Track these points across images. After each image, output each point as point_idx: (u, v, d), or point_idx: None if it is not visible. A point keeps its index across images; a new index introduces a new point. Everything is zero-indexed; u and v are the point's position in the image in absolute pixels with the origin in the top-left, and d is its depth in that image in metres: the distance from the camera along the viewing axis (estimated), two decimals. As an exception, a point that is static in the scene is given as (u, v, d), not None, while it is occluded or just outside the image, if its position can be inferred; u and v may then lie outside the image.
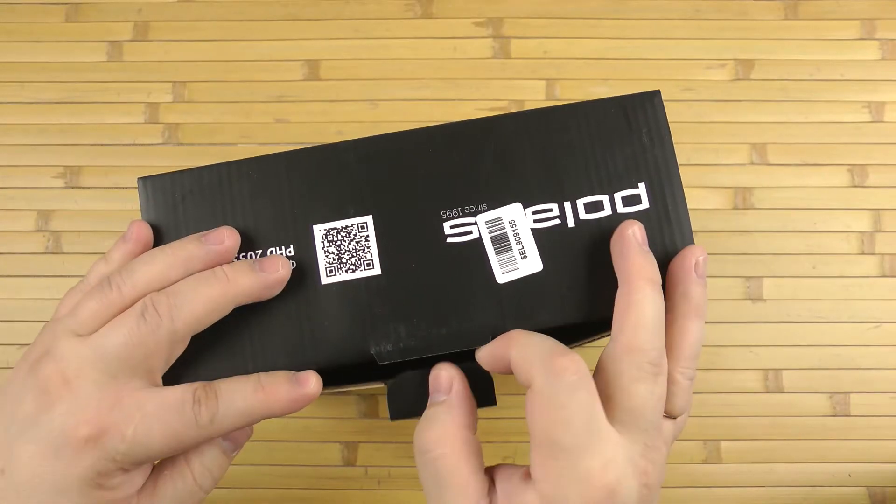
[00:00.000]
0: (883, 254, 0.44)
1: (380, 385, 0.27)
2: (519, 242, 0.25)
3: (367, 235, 0.25)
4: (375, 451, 0.42)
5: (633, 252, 0.24)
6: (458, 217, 0.25)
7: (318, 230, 0.24)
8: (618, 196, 0.25)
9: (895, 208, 0.44)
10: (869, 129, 0.45)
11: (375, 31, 0.46)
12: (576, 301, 0.25)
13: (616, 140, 0.25)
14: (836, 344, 0.43)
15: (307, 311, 0.24)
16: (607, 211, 0.25)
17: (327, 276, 0.25)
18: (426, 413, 0.25)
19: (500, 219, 0.25)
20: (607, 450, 0.22)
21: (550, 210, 0.25)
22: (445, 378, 0.25)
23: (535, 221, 0.25)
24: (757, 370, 0.43)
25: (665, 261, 0.25)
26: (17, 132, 0.45)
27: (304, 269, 0.24)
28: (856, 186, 0.45)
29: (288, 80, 0.46)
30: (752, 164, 0.45)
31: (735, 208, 0.44)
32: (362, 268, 0.24)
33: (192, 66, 0.46)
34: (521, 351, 0.23)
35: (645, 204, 0.25)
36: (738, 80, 0.46)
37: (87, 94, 0.46)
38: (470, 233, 0.25)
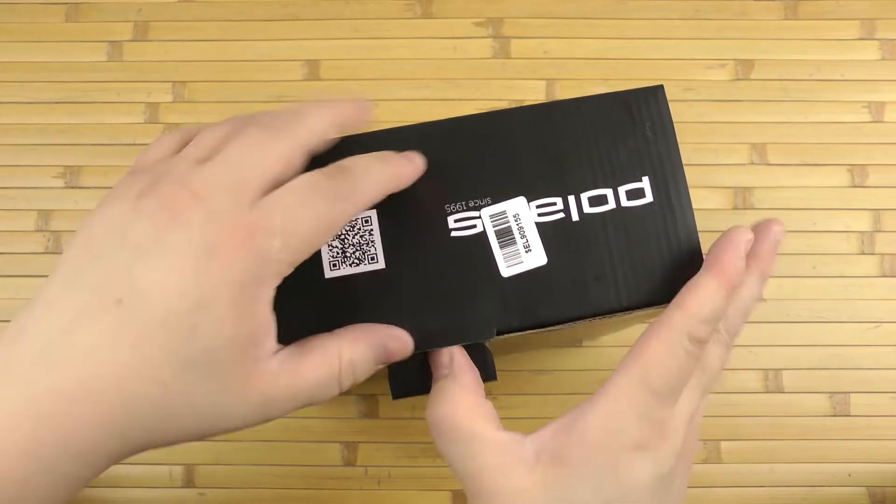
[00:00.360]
0: (883, 254, 0.44)
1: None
2: (523, 236, 0.25)
3: (372, 229, 0.25)
4: (375, 451, 0.42)
5: (768, 249, 0.25)
6: (463, 211, 0.25)
7: None
8: (622, 190, 0.25)
9: (895, 208, 0.44)
10: (869, 129, 0.45)
11: (375, 31, 0.46)
12: (580, 295, 0.25)
13: (619, 134, 0.25)
14: (836, 344, 0.43)
15: (311, 306, 0.24)
16: (611, 205, 0.25)
17: (331, 270, 0.24)
18: (433, 390, 0.25)
19: (504, 212, 0.25)
20: (679, 413, 0.23)
21: (554, 204, 0.25)
22: (444, 353, 0.25)
23: (540, 215, 0.25)
24: (757, 370, 0.43)
25: (670, 255, 0.25)
26: (17, 132, 0.45)
27: (308, 262, 0.24)
28: (856, 186, 0.45)
29: (288, 80, 0.46)
30: (752, 164, 0.45)
31: (735, 208, 0.44)
32: (367, 262, 0.24)
33: (192, 66, 0.46)
34: (702, 290, 0.23)
35: (649, 198, 0.25)
36: (738, 80, 0.46)
37: (87, 94, 0.46)
38: (474, 226, 0.25)
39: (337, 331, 0.24)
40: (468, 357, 0.25)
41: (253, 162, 0.21)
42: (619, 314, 0.25)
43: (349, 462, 0.42)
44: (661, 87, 0.26)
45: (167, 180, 0.21)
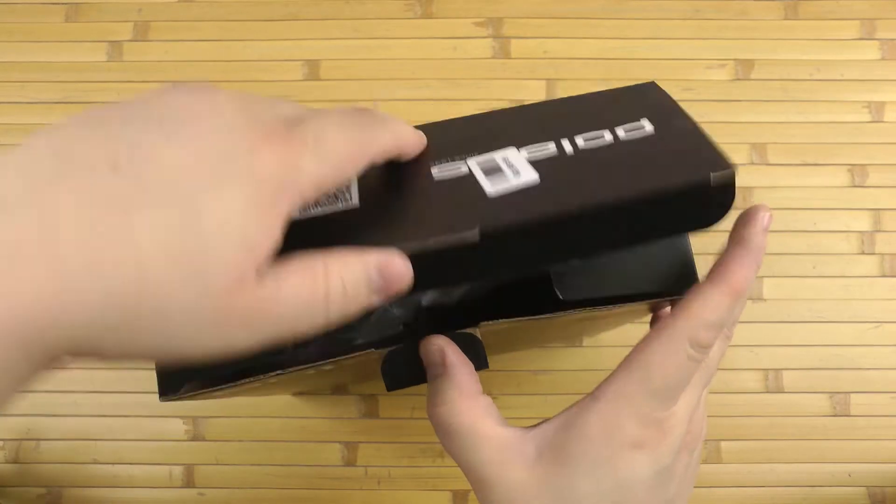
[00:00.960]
0: (883, 254, 0.44)
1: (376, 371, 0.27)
2: (511, 167, 0.23)
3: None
4: (375, 451, 0.42)
5: (755, 246, 0.24)
6: (447, 162, 0.23)
7: None
8: (619, 128, 0.23)
9: (895, 208, 0.44)
10: (869, 129, 0.45)
11: (375, 31, 0.46)
12: (579, 189, 0.22)
13: (614, 120, 0.25)
14: (836, 344, 0.43)
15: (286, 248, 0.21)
16: (608, 139, 0.23)
17: (300, 213, 0.22)
18: (429, 390, 0.25)
19: (492, 158, 0.23)
20: (680, 410, 0.24)
21: (546, 146, 0.23)
22: (436, 350, 0.25)
23: (530, 154, 0.23)
24: (757, 370, 0.43)
25: (668, 178, 0.22)
26: (17, 132, 0.45)
27: None
28: (856, 186, 0.45)
29: (288, 80, 0.46)
30: (752, 164, 0.45)
31: (735, 208, 0.44)
32: (340, 202, 0.23)
33: (192, 66, 0.46)
34: (709, 300, 0.23)
35: (649, 129, 0.23)
36: (738, 80, 0.46)
37: (87, 94, 0.46)
38: (459, 169, 0.23)
39: (324, 250, 0.20)
40: (459, 351, 0.25)
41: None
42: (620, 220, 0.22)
43: (349, 462, 0.42)
44: (653, 83, 0.26)
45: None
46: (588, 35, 0.46)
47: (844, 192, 0.45)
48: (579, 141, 0.23)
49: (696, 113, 0.48)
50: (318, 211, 0.23)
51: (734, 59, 0.46)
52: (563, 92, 0.45)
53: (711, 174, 0.22)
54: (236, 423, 0.42)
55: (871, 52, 0.46)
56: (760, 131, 0.45)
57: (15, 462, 0.42)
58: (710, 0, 0.47)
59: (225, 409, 0.42)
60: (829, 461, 0.42)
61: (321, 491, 0.42)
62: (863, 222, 0.44)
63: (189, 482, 0.42)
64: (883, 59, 0.46)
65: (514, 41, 0.46)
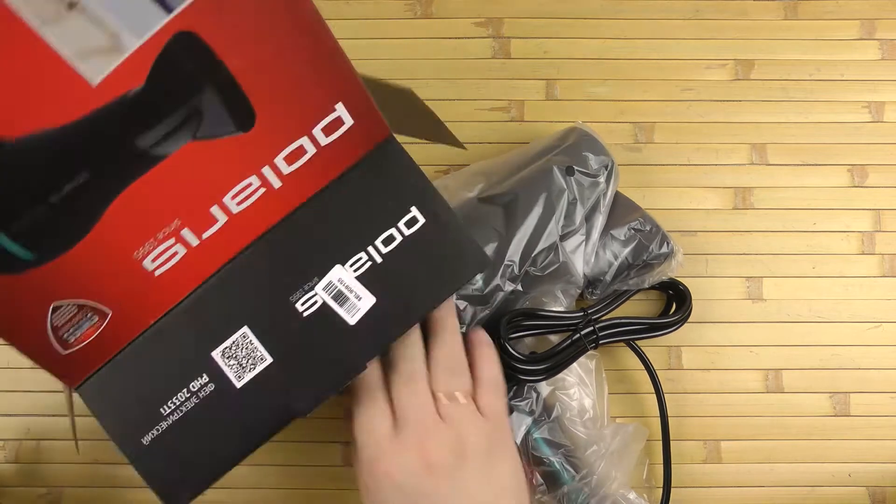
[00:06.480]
0: (883, 254, 0.44)
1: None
2: (352, 291, 0.30)
3: (250, 340, 0.30)
4: (375, 451, 0.42)
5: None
6: (303, 295, 0.30)
7: (216, 354, 0.30)
8: (401, 224, 0.30)
9: (895, 208, 0.44)
10: (869, 129, 0.45)
11: (375, 31, 0.46)
12: (411, 308, 0.31)
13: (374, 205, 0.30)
14: (836, 344, 0.43)
15: (237, 413, 0.30)
16: (398, 239, 0.30)
17: (238, 381, 0.30)
18: None
19: (330, 283, 0.30)
20: None
21: (361, 258, 0.30)
22: None
23: (355, 270, 0.30)
24: (757, 370, 0.43)
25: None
26: (17, 132, 0.45)
27: (221, 385, 0.30)
28: (856, 186, 0.45)
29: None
30: (752, 164, 0.45)
31: (735, 208, 0.44)
32: (258, 363, 0.30)
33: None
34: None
35: (422, 220, 0.30)
36: (738, 80, 0.46)
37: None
38: (316, 303, 0.30)
39: None
40: None
41: None
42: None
43: (349, 462, 0.42)
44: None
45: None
46: (588, 35, 0.46)
47: (844, 192, 0.45)
48: (380, 246, 0.30)
49: (696, 113, 0.48)
50: (249, 375, 0.30)
51: (734, 59, 0.46)
52: (562, 91, 0.45)
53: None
54: (236, 423, 0.42)
55: (870, 52, 0.46)
56: (760, 131, 0.45)
57: (15, 462, 0.42)
58: (710, 0, 0.47)
59: (225, 409, 0.42)
60: (829, 461, 0.42)
61: (321, 491, 0.42)
62: (863, 222, 0.44)
63: (189, 482, 0.42)
64: (883, 59, 0.46)
65: (514, 41, 0.46)
